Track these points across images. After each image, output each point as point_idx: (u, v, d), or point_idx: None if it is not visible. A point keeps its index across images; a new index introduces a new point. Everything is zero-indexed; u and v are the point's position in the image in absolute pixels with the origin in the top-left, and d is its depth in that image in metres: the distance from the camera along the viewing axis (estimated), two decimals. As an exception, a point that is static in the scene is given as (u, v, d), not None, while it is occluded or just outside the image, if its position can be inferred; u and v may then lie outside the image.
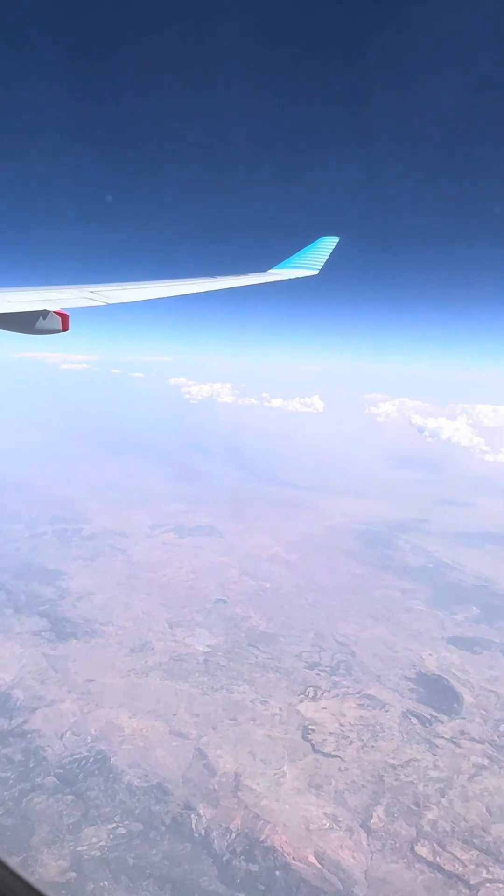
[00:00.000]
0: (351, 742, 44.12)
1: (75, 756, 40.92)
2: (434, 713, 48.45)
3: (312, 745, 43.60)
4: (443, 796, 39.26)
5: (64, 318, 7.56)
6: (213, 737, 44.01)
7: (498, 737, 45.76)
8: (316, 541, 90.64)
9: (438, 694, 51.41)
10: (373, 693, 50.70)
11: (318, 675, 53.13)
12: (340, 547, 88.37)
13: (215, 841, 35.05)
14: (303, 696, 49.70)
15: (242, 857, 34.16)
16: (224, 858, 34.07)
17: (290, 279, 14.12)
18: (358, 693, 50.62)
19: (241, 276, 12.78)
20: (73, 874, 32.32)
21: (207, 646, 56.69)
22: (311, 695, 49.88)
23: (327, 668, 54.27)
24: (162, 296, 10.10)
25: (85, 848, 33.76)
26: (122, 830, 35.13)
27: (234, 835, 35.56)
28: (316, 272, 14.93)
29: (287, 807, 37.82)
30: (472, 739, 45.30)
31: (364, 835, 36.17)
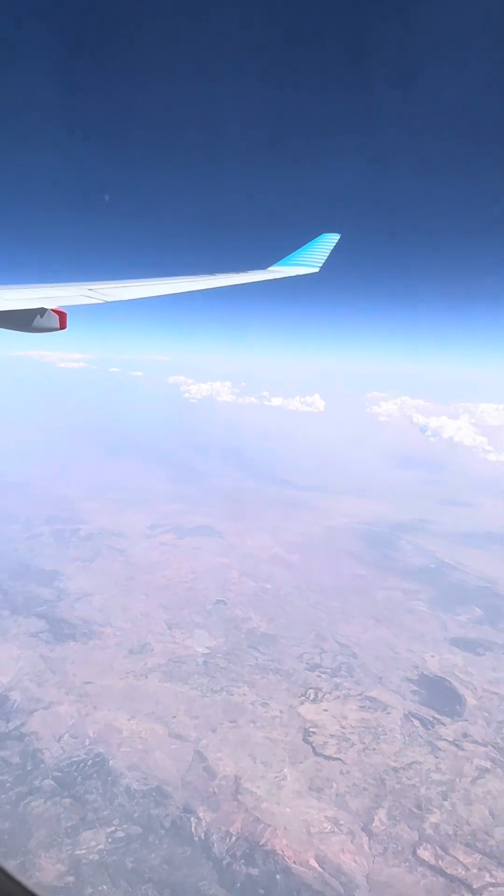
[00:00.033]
0: (352, 744, 44.15)
1: (73, 759, 40.96)
2: (436, 715, 48.49)
3: (313, 748, 43.63)
4: (445, 799, 39.30)
5: (62, 315, 7.58)
6: (213, 739, 44.05)
7: (501, 739, 45.77)
8: (317, 541, 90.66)
9: (441, 696, 51.45)
10: (374, 695, 50.74)
11: (319, 676, 53.16)
12: (341, 547, 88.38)
13: (215, 844, 35.09)
14: (304, 698, 49.73)
15: (242, 860, 34.20)
16: (224, 862, 34.10)
17: (290, 277, 14.13)
18: (359, 695, 50.66)
19: (241, 274, 12.79)
20: (72, 878, 32.36)
21: (207, 647, 56.72)
22: (312, 697, 49.91)
23: (328, 670, 54.30)
24: (161, 293, 10.11)
25: (83, 852, 33.80)
26: (120, 834, 35.17)
27: (234, 838, 35.60)
28: (317, 269, 14.95)
29: (288, 810, 37.86)
30: (475, 742, 45.33)
31: (365, 838, 36.21)
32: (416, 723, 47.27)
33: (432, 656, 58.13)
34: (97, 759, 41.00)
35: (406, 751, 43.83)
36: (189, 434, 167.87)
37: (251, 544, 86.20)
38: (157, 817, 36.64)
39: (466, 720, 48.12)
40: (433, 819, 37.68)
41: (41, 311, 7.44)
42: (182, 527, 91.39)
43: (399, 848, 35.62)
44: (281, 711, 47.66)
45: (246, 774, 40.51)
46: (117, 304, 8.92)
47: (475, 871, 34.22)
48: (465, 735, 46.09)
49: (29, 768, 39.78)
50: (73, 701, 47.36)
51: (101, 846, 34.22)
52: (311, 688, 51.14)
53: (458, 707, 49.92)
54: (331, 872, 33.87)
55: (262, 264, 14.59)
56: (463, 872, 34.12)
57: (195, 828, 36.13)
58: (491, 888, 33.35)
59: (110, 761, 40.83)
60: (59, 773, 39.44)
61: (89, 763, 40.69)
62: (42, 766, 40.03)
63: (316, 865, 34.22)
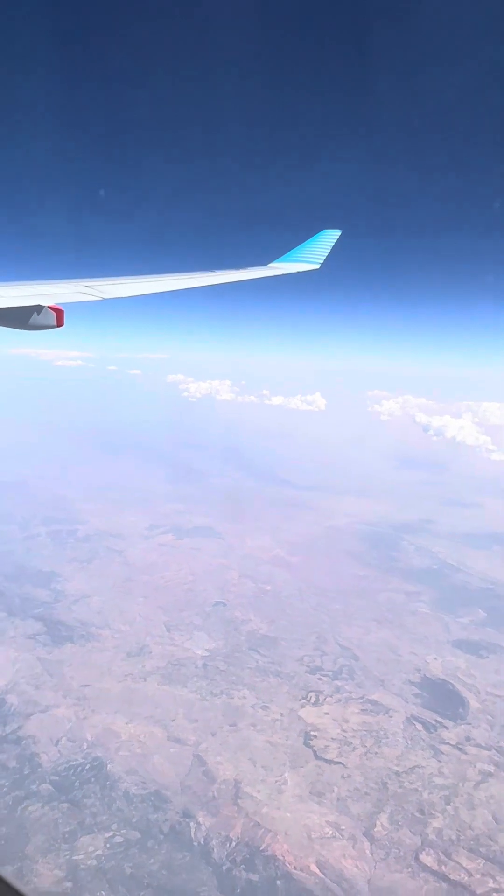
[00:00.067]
0: (354, 748, 44.17)
1: (71, 763, 40.97)
2: (439, 719, 48.50)
3: (314, 752, 43.64)
4: (448, 804, 39.31)
5: (59, 313, 7.56)
6: (213, 743, 44.06)
7: (504, 743, 45.82)
8: (318, 542, 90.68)
9: (443, 699, 51.47)
10: (376, 698, 50.76)
11: (320, 679, 53.17)
12: (343, 548, 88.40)
13: (215, 850, 35.10)
14: (304, 701, 49.75)
15: (243, 866, 34.21)
16: (224, 868, 34.11)
17: (290, 273, 14.12)
18: (361, 698, 50.67)
19: (241, 271, 12.78)
20: (69, 884, 32.36)
21: (206, 650, 56.74)
22: (313, 700, 49.93)
23: (329, 673, 54.31)
24: (159, 290, 10.09)
25: (81, 857, 33.82)
26: (119, 839, 35.18)
27: (234, 843, 35.61)
28: (317, 266, 14.92)
29: (288, 815, 37.87)
30: (478, 745, 45.35)
31: (367, 843, 36.23)
32: (419, 726, 47.29)
33: (435, 659, 58.15)
34: (95, 763, 41.01)
35: (408, 755, 43.85)
36: (188, 433, 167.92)
37: (251, 545, 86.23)
38: (156, 822, 36.66)
39: (469, 723, 48.14)
40: (436, 824, 37.69)
41: (38, 309, 7.43)
42: (181, 527, 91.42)
43: (401, 853, 35.63)
44: (281, 715, 47.68)
45: (246, 778, 40.53)
46: (115, 302, 8.90)
47: (478, 876, 34.22)
48: (468, 738, 46.11)
49: (26, 772, 39.79)
50: (70, 704, 47.37)
51: (99, 851, 34.23)
52: (312, 691, 51.16)
53: (461, 710, 49.94)
54: (332, 878, 33.88)
55: (263, 261, 14.57)
56: (466, 878, 34.13)
57: (194, 833, 36.14)
58: (494, 894, 33.34)
59: (108, 765, 40.84)
60: (57, 778, 39.45)
61: (87, 767, 40.70)
62: (39, 770, 40.04)
63: (317, 871, 34.22)
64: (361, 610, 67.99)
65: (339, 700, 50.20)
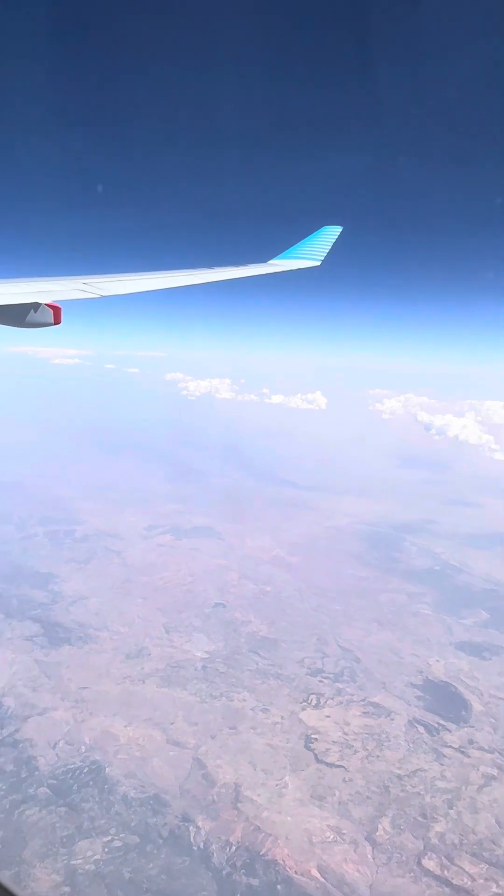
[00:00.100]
0: (355, 752, 44.19)
1: (69, 766, 40.98)
2: (441, 721, 48.52)
3: (315, 755, 43.66)
4: (451, 808, 39.33)
5: (56, 310, 7.55)
6: (212, 746, 44.08)
7: (508, 746, 45.84)
8: (318, 542, 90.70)
9: (446, 701, 51.49)
10: (378, 701, 50.78)
11: (321, 682, 53.20)
12: (344, 549, 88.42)
13: (214, 854, 35.13)
14: (305, 703, 49.77)
15: (243, 870, 34.23)
16: (224, 872, 34.14)
17: (291, 270, 14.11)
18: (362, 701, 50.69)
19: (241, 267, 12.77)
20: (67, 889, 32.38)
21: (206, 652, 56.75)
22: (314, 703, 49.95)
23: (331, 675, 54.33)
24: (158, 287, 10.07)
25: (79, 862, 33.83)
26: (117, 843, 35.20)
27: (234, 848, 35.63)
28: (318, 263, 14.91)
29: (289, 819, 37.90)
30: (482, 749, 45.37)
31: (369, 848, 36.25)
32: (421, 729, 47.31)
33: (437, 661, 58.19)
34: (93, 767, 41.03)
35: (410, 758, 43.86)
36: (187, 432, 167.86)
37: (251, 545, 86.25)
38: (155, 826, 36.67)
39: (472, 726, 48.16)
40: (438, 828, 37.72)
41: (34, 306, 7.42)
42: (180, 528, 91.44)
43: (403, 858, 35.66)
44: (282, 717, 47.70)
45: (246, 782, 40.55)
46: (113, 299, 8.89)
47: (481, 881, 34.24)
48: (470, 742, 46.13)
49: (23, 776, 39.80)
50: (68, 707, 47.38)
51: (97, 856, 34.25)
52: (312, 693, 51.18)
53: (463, 713, 49.96)
54: (333, 883, 33.91)
55: (262, 257, 14.56)
56: (469, 883, 34.16)
57: (194, 837, 36.16)
58: (498, 899, 33.38)
59: (107, 769, 40.85)
60: (55, 781, 39.46)
61: (85, 771, 40.71)
62: (37, 773, 40.05)
63: (318, 875, 34.25)
64: (363, 611, 68.01)
65: (341, 703, 50.22)
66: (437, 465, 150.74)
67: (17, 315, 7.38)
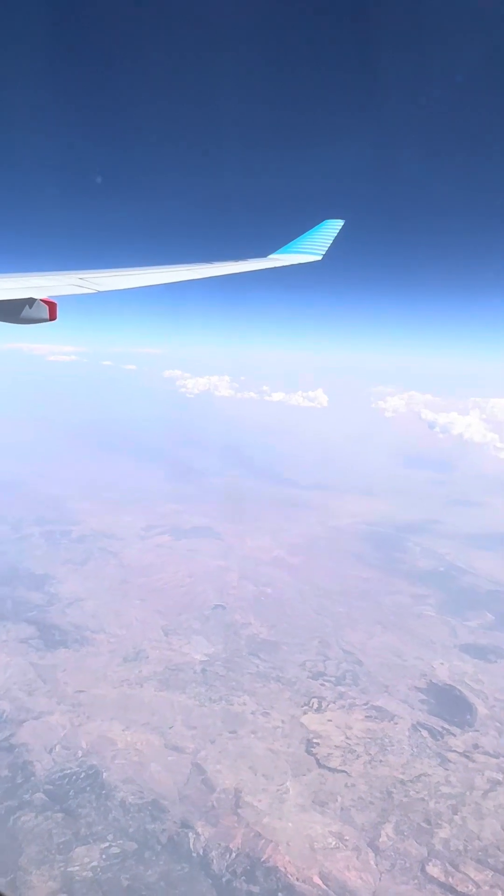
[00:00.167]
0: (358, 756, 44.24)
1: (65, 771, 41.04)
2: (446, 725, 48.59)
3: (317, 760, 43.72)
4: (455, 813, 39.40)
5: (51, 306, 7.55)
6: (212, 751, 44.14)
7: (513, 750, 45.90)
8: (320, 543, 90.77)
9: (450, 705, 51.56)
10: (381, 704, 50.83)
11: (322, 685, 53.25)
12: (346, 549, 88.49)
13: (214, 861, 35.19)
14: (307, 707, 49.83)
15: (243, 877, 34.29)
16: (224, 879, 34.20)
17: (291, 265, 14.10)
18: (365, 704, 50.75)
19: (240, 262, 12.76)
20: (64, 896, 32.46)
21: (205, 654, 56.81)
22: (316, 706, 50.01)
23: (332, 678, 54.39)
24: (156, 283, 10.07)
25: (76, 868, 33.89)
26: (115, 850, 35.26)
27: (234, 854, 35.69)
28: (319, 257, 14.90)
29: (290, 825, 37.96)
30: (487, 753, 45.44)
31: (372, 854, 36.31)
32: (425, 733, 47.37)
33: (441, 664, 58.25)
34: (90, 772, 41.08)
35: (414, 763, 43.93)
36: (186, 431, 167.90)
37: (251, 546, 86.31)
38: (154, 832, 36.74)
39: (477, 730, 48.24)
40: (443, 834, 37.78)
41: (30, 302, 7.41)
42: (179, 528, 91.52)
43: (407, 864, 35.72)
44: (283, 721, 47.76)
45: (246, 787, 40.61)
46: (110, 294, 8.89)
47: (486, 888, 34.31)
48: (475, 746, 46.20)
49: (19, 781, 39.87)
50: (65, 711, 47.44)
51: (94, 862, 34.31)
52: (314, 697, 51.24)
53: (468, 717, 50.03)
54: (335, 890, 33.97)
55: (262, 252, 14.55)
56: (474, 890, 34.23)
57: (193, 843, 36.22)
58: (503, 906, 33.45)
59: (104, 774, 40.91)
60: (51, 787, 39.52)
61: (82, 776, 40.77)
62: (33, 779, 40.11)
63: (320, 883, 34.31)
64: (365, 613, 68.07)
65: (343, 706, 50.28)
66: (441, 463, 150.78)
67: (12, 311, 7.38)
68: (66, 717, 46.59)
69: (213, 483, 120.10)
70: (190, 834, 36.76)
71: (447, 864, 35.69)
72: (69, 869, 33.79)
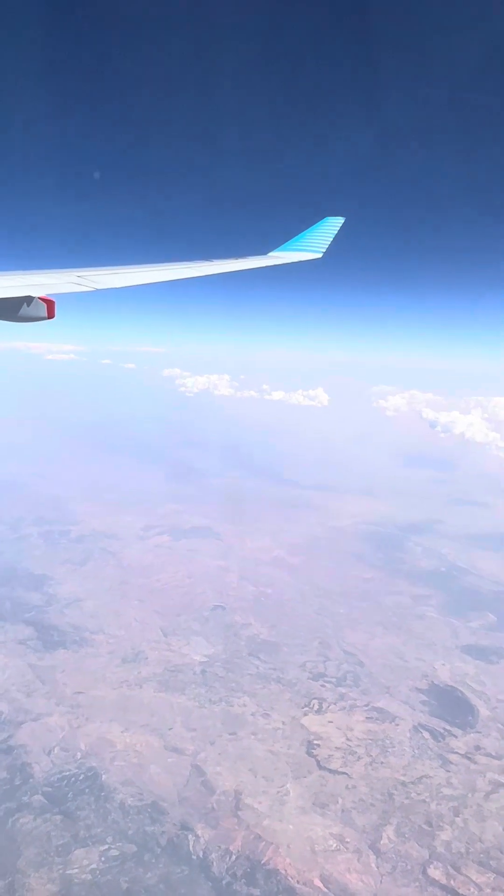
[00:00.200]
0: (359, 758, 44.26)
1: (64, 773, 41.06)
2: (447, 727, 48.61)
3: (318, 761, 43.74)
4: (457, 815, 39.41)
5: (49, 304, 7.53)
6: (212, 752, 44.15)
7: (515, 752, 45.92)
8: (321, 543, 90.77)
9: (452, 706, 51.57)
10: (382, 706, 50.85)
11: (323, 686, 53.27)
12: (347, 550, 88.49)
13: (214, 863, 35.21)
14: (307, 708, 49.85)
15: (243, 880, 34.31)
16: (224, 882, 34.22)
17: (292, 263, 14.09)
18: (366, 706, 50.77)
19: (240, 260, 12.74)
20: (63, 899, 32.45)
21: (205, 655, 56.83)
22: (316, 708, 50.03)
23: (333, 679, 54.41)
24: (155, 281, 10.06)
25: (75, 871, 33.90)
26: (114, 852, 35.28)
27: (234, 857, 35.71)
28: (320, 255, 14.88)
29: (291, 827, 37.97)
30: (489, 755, 45.46)
31: (373, 856, 36.33)
32: (426, 735, 47.39)
33: (443, 665, 58.26)
34: (89, 774, 41.10)
35: (415, 764, 43.95)
36: (185, 430, 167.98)
37: (251, 546, 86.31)
38: (153, 835, 36.75)
39: (479, 732, 48.25)
40: (444, 836, 37.79)
41: (27, 300, 7.39)
42: (178, 528, 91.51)
43: (408, 867, 35.73)
44: (283, 723, 47.78)
45: (246, 789, 40.63)
46: (109, 292, 8.87)
47: (489, 891, 34.33)
48: (477, 748, 46.21)
49: (17, 783, 39.88)
50: (63, 712, 47.46)
51: (93, 865, 34.33)
52: (314, 698, 51.26)
53: (470, 718, 50.05)
54: (336, 893, 33.98)
55: (262, 249, 14.53)
56: (476, 892, 34.24)
57: (193, 846, 36.24)
58: (505, 908, 33.47)
59: (103, 776, 40.93)
60: (50, 789, 39.55)
61: (81, 778, 40.79)
62: (31, 780, 40.13)
63: (321, 885, 34.32)
64: (366, 614, 68.09)
65: (344, 708, 50.30)
66: (442, 463, 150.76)
67: (10, 309, 7.37)
68: (64, 719, 46.61)
69: (213, 483, 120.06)
70: (190, 836, 36.78)
71: (449, 867, 35.71)
72: (68, 871, 33.80)
